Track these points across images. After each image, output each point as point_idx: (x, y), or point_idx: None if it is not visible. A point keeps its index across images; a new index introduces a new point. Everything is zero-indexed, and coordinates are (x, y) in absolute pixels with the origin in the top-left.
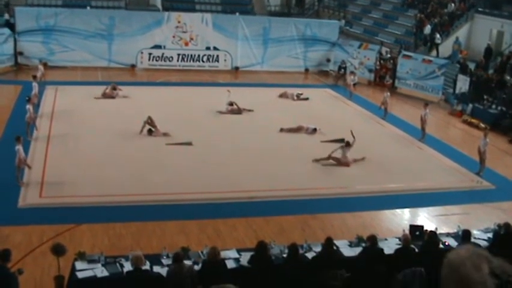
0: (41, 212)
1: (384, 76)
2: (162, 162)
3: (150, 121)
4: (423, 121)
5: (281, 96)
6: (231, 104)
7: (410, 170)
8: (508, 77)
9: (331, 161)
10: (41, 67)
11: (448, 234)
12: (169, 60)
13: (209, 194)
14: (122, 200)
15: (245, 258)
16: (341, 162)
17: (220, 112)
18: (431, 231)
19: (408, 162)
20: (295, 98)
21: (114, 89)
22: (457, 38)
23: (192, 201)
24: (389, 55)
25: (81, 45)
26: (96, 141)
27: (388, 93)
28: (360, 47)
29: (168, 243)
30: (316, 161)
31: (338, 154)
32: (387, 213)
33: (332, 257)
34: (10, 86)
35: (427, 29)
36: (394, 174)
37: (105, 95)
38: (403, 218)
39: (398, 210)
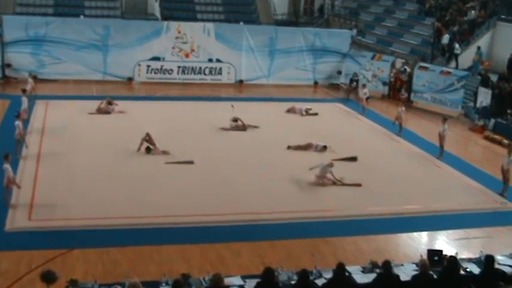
0: (30, 236)
1: (398, 89)
2: (161, 182)
3: (148, 138)
4: (441, 137)
5: (288, 111)
6: (235, 120)
7: (427, 190)
8: None
9: (341, 182)
10: (30, 80)
11: (469, 260)
12: (169, 73)
13: (211, 217)
14: (118, 223)
15: (250, 285)
16: (352, 183)
17: (224, 129)
18: (451, 256)
19: (425, 182)
20: (304, 113)
21: (110, 103)
22: (478, 48)
23: (193, 224)
24: (405, 67)
25: (74, 56)
26: (90, 159)
27: (403, 108)
28: (373, 58)
29: (168, 270)
30: (340, 182)
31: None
32: (403, 236)
33: (344, 283)
34: None
35: (445, 38)
36: (410, 194)
37: (100, 110)
38: (420, 242)
39: (415, 234)
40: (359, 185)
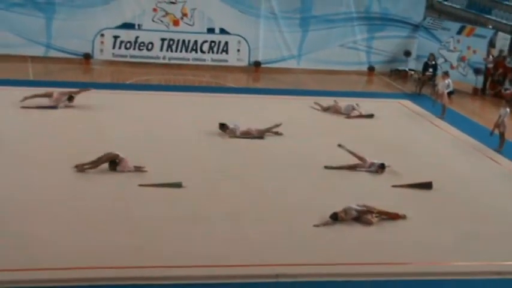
0: None
1: (500, 81)
2: (133, 215)
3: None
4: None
5: (327, 110)
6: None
7: None
8: None
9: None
10: None
11: None
12: (148, 49)
13: (208, 269)
14: (67, 277)
15: None
16: (390, 214)
17: (231, 135)
18: None
19: None
20: (351, 114)
21: (70, 98)
22: None
23: (181, 280)
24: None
25: (1, 19)
26: (23, 179)
27: (507, 110)
28: (460, 32)
29: None
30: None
31: None
32: None
33: None
34: None
35: None
36: None
37: (53, 100)
38: None
39: None
40: (397, 216)
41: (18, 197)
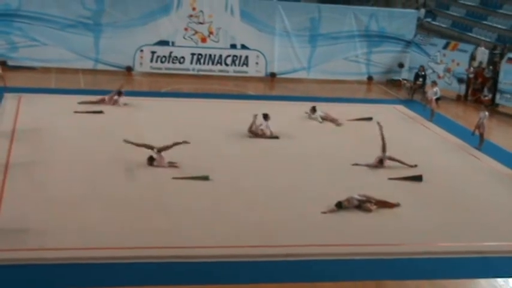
0: None
1: (480, 89)
2: (167, 203)
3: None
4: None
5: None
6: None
7: None
8: None
9: (374, 206)
10: None
11: None
12: (180, 62)
13: (230, 249)
14: (110, 255)
15: None
16: (386, 203)
17: (251, 135)
18: None
19: None
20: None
21: (119, 94)
22: None
23: (207, 259)
24: (485, 57)
25: (56, 38)
26: (75, 173)
27: (486, 113)
28: (446, 47)
29: None
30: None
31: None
32: (482, 283)
33: None
34: None
35: None
36: (493, 227)
37: (109, 101)
38: None
39: (499, 280)
40: (393, 205)
41: (73, 187)
